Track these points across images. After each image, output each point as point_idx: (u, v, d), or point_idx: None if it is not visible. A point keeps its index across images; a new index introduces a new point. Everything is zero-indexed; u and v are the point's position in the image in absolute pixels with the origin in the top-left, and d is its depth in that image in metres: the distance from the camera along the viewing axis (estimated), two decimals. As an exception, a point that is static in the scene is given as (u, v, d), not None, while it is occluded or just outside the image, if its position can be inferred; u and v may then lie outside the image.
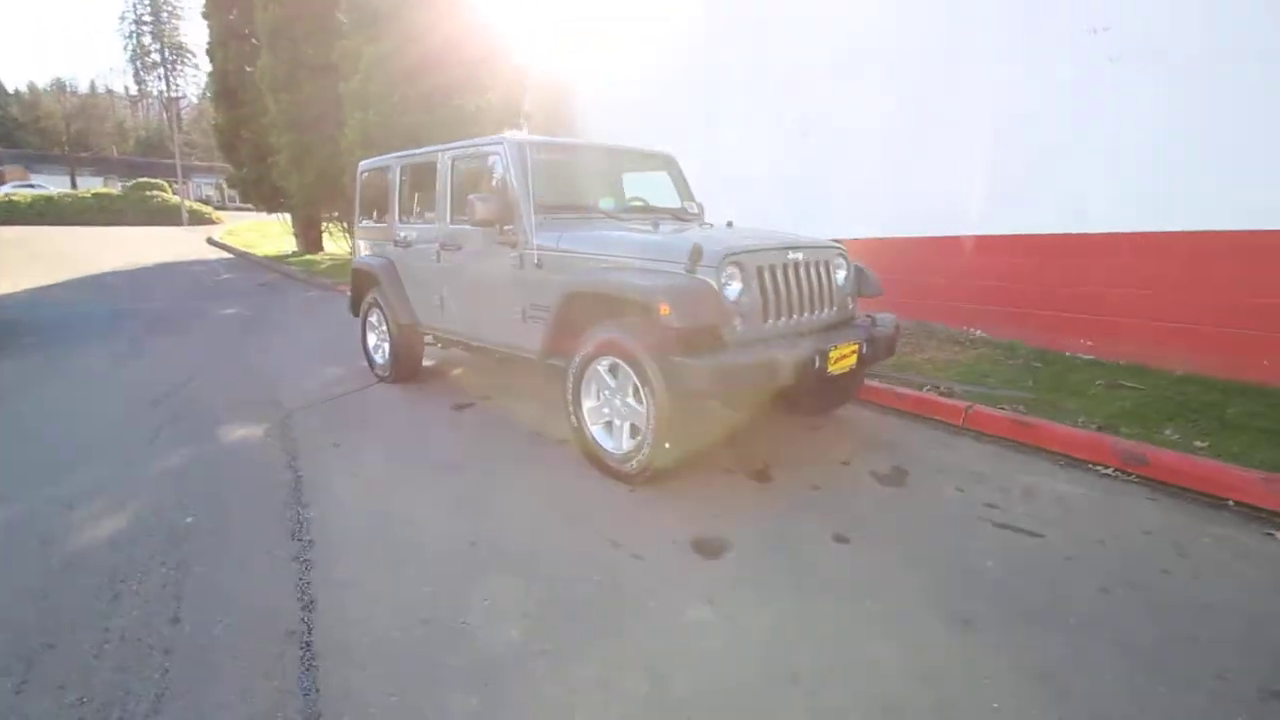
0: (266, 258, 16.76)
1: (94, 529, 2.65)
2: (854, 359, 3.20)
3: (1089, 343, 4.86)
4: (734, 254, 2.92)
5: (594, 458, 3.20)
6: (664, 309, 2.70)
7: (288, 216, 18.37)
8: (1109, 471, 3.16)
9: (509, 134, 3.75)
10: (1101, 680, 1.74)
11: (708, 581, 2.23)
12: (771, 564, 2.34)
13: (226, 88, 15.20)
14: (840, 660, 1.83)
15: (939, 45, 5.67)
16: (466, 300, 4.16)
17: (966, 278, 5.59)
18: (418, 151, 4.58)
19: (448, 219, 4.22)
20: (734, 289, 2.90)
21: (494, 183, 3.97)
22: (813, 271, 3.32)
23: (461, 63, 13.63)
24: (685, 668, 1.80)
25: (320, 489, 3.05)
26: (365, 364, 5.47)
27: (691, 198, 4.52)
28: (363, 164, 5.35)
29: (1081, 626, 1.97)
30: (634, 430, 3.05)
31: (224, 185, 37.81)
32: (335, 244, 18.91)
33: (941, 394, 4.16)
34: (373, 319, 5.20)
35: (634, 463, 2.94)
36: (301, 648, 1.89)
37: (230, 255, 17.17)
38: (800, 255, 3.25)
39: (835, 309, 3.47)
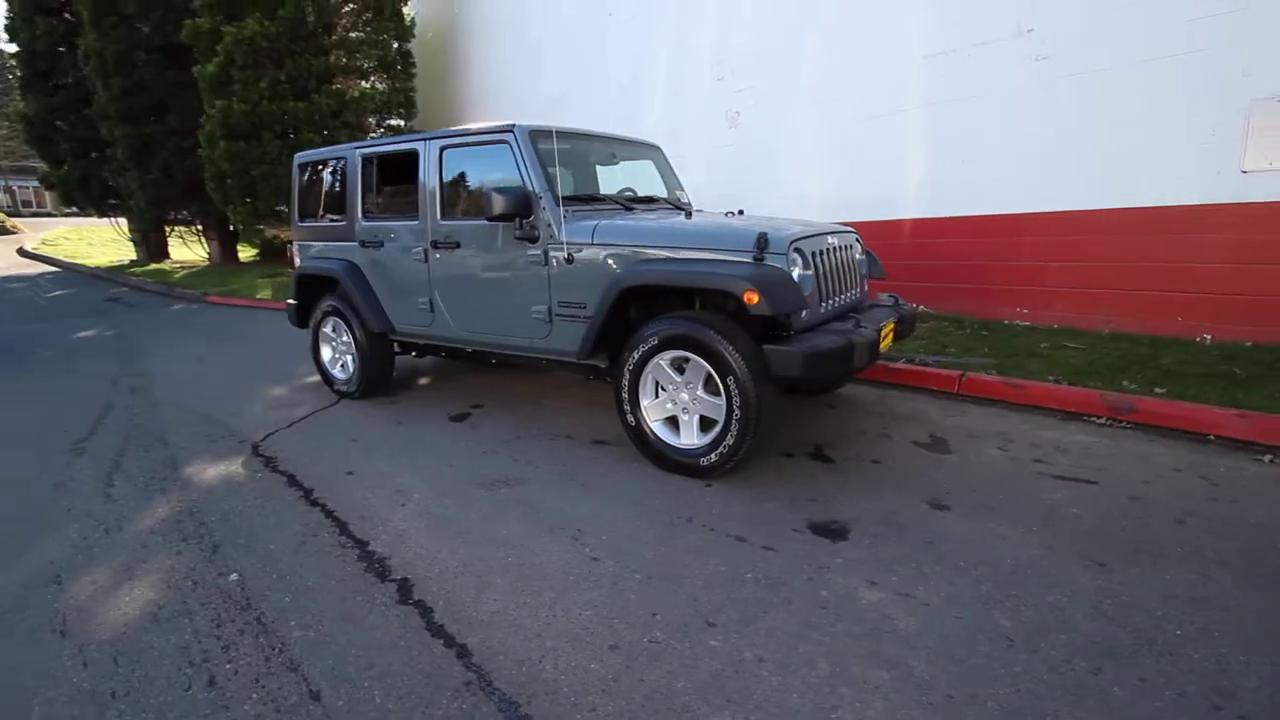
0: (103, 269, 14.42)
1: (114, 609, 2.15)
2: (891, 337, 3.37)
3: (1025, 311, 5.46)
4: (796, 240, 2.95)
5: (657, 455, 3.10)
6: (752, 297, 2.67)
7: (123, 221, 15.92)
8: (1103, 421, 3.59)
9: (518, 122, 3.49)
10: (1239, 598, 1.98)
11: (854, 563, 2.25)
12: (898, 538, 2.41)
13: (37, 72, 12.79)
14: (1032, 616, 1.93)
15: (877, 38, 6.06)
16: (468, 302, 3.84)
17: (907, 258, 6.04)
18: (388, 142, 4.13)
19: (438, 215, 3.86)
20: (798, 275, 2.93)
21: (495, 174, 3.71)
22: (844, 255, 3.44)
23: (341, 44, 12.48)
24: (907, 648, 1.81)
25: (371, 522, 2.69)
26: (312, 380, 4.90)
27: (681, 187, 4.49)
28: (300, 156, 4.76)
29: (1189, 555, 2.22)
30: (705, 423, 3.00)
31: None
32: (189, 250, 16.63)
33: (918, 365, 4.49)
34: (328, 329, 4.67)
35: (713, 456, 2.89)
36: (495, 699, 1.67)
37: (54, 268, 14.56)
38: (835, 240, 3.35)
39: (860, 290, 3.63)
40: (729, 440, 2.83)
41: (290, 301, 5.00)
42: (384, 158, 4.17)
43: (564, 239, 3.34)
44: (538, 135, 3.51)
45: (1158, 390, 3.77)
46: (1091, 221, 4.97)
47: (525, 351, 3.71)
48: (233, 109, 11.08)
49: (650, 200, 4.04)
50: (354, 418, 4.21)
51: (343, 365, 4.71)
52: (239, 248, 16.10)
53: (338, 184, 4.50)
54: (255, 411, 4.44)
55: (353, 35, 12.24)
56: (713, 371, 2.84)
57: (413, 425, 4.01)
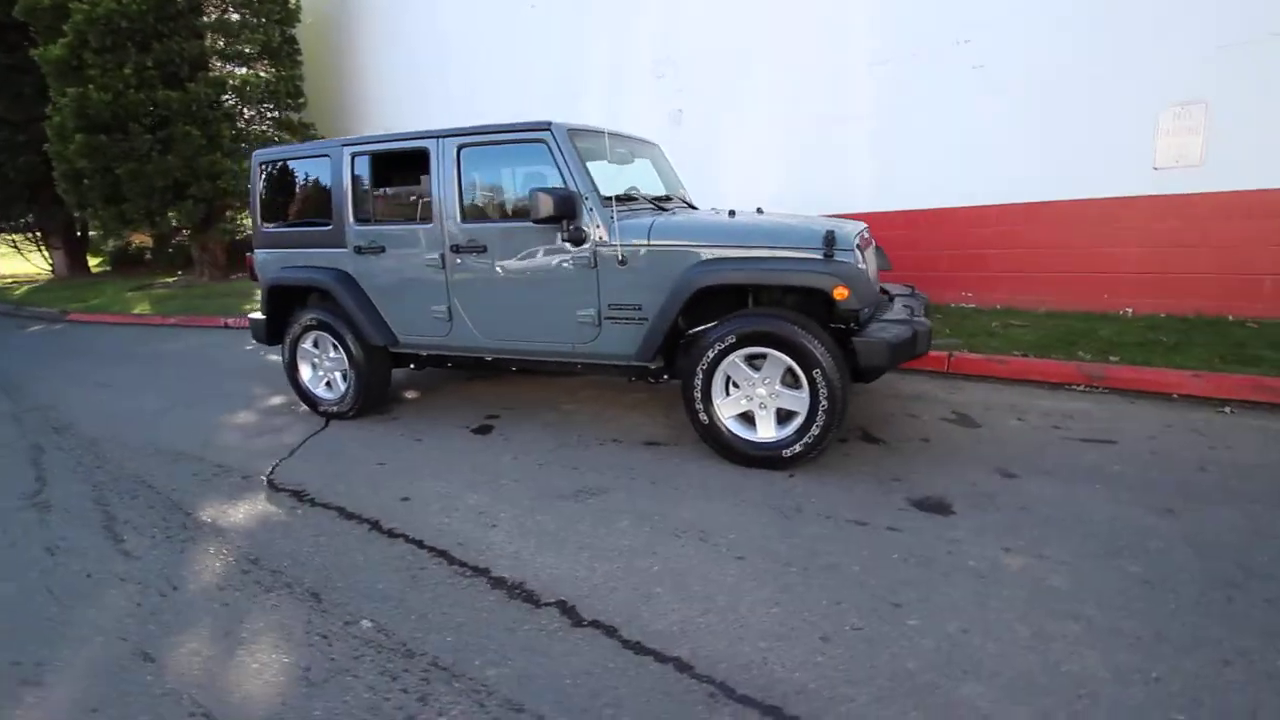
0: (-93, 288, 11.99)
1: (249, 680, 1.86)
2: (922, 324, 3.65)
3: (969, 294, 6.06)
4: (855, 236, 3.11)
5: (731, 451, 3.14)
6: (843, 292, 2.79)
7: (-73, 229, 13.29)
8: (1082, 389, 4.10)
9: (554, 119, 3.36)
10: None
11: (976, 533, 2.43)
12: (995, 507, 2.63)
13: None
14: (1152, 561, 2.20)
15: (823, 43, 6.41)
16: (497, 309, 3.65)
17: (860, 249, 6.48)
18: (387, 138, 3.81)
19: (457, 217, 3.63)
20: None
21: (524, 173, 3.57)
22: (873, 249, 3.67)
23: (220, 27, 11.11)
24: (1076, 601, 2.00)
25: (473, 547, 2.52)
26: (276, 402, 4.48)
27: (682, 185, 4.53)
28: (262, 154, 4.28)
29: (1228, 496, 2.63)
30: (781, 416, 3.09)
31: None
32: (26, 262, 14.15)
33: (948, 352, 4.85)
34: (309, 345, 4.25)
35: (798, 446, 2.98)
36: (753, 706, 1.65)
37: None
38: (867, 234, 3.56)
39: (878, 281, 3.88)
40: (814, 430, 2.94)
41: (255, 316, 4.48)
42: (382, 156, 3.85)
43: (617, 240, 3.29)
44: (575, 133, 3.42)
45: (1112, 359, 4.37)
46: (1026, 213, 5.62)
47: (566, 357, 3.60)
48: (90, 98, 9.60)
49: (665, 199, 4.05)
50: (362, 438, 3.87)
51: (329, 384, 4.30)
52: (89, 257, 13.98)
53: (318, 185, 4.09)
54: (232, 442, 3.95)
55: (231, 17, 11.00)
56: (795, 365, 2.94)
57: (435, 441, 3.76)
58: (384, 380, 4.23)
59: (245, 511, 2.97)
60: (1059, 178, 5.35)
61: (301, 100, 12.05)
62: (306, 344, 4.26)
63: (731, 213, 3.53)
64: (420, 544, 2.59)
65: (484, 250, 3.60)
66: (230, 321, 8.61)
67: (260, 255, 4.38)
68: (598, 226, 3.33)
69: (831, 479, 2.97)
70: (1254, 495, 2.63)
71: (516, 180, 3.66)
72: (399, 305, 3.93)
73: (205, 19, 10.84)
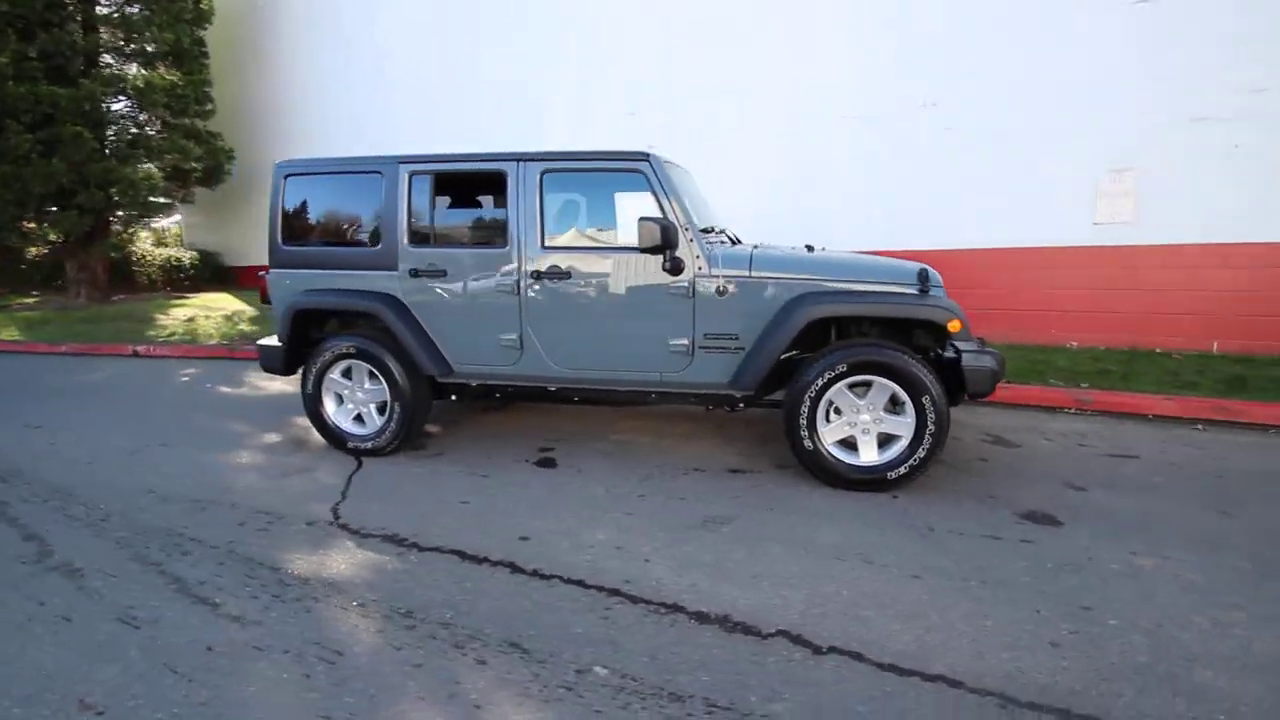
0: None
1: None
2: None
3: (934, 328, 6.68)
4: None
5: (834, 476, 3.25)
6: (956, 325, 3.04)
7: None
8: (1073, 412, 4.67)
9: (650, 149, 3.38)
10: (1308, 523, 2.88)
11: (1099, 540, 2.70)
12: (1090, 517, 2.94)
13: None
14: (1250, 555, 2.56)
15: (798, 96, 6.91)
16: (580, 337, 3.55)
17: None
18: (453, 157, 3.62)
19: (537, 243, 3.52)
20: (942, 303, 3.38)
21: (615, 202, 3.55)
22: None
23: (121, 21, 9.82)
24: (1227, 594, 2.29)
25: (642, 584, 2.42)
26: (272, 440, 4.08)
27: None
28: (288, 165, 3.92)
29: (1258, 498, 3.12)
30: (883, 440, 3.25)
31: None
32: None
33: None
34: (337, 375, 3.87)
35: (903, 469, 3.15)
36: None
37: None
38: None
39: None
40: (920, 453, 3.13)
41: (267, 343, 4.02)
42: (447, 176, 3.65)
43: (719, 270, 3.35)
44: (669, 165, 3.46)
45: (1083, 385, 5.02)
46: (986, 257, 6.33)
47: (651, 386, 3.56)
48: (-48, 88, 8.15)
49: (709, 230, 4.17)
50: (415, 476, 3.57)
51: (359, 418, 3.92)
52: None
53: (362, 202, 3.78)
54: (255, 484, 3.50)
55: (132, 12, 9.83)
56: (902, 392, 3.13)
57: (503, 477, 3.55)
58: (425, 413, 3.94)
59: (345, 561, 2.64)
60: (1015, 226, 6.11)
61: (209, 107, 10.97)
62: (335, 374, 3.87)
63: (809, 248, 3.72)
64: (582, 584, 2.45)
65: (567, 277, 3.51)
66: (141, 349, 7.55)
67: (277, 276, 3.95)
68: (697, 257, 3.38)
69: (932, 498, 3.17)
70: (1274, 498, 3.16)
71: (601, 208, 3.62)
72: (459, 332, 3.70)
73: (102, 9, 9.63)
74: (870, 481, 3.22)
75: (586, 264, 3.49)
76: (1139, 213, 5.62)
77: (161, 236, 13.56)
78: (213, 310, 9.75)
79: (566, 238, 3.60)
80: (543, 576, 2.51)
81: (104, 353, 7.53)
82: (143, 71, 9.82)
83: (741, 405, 3.63)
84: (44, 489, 3.48)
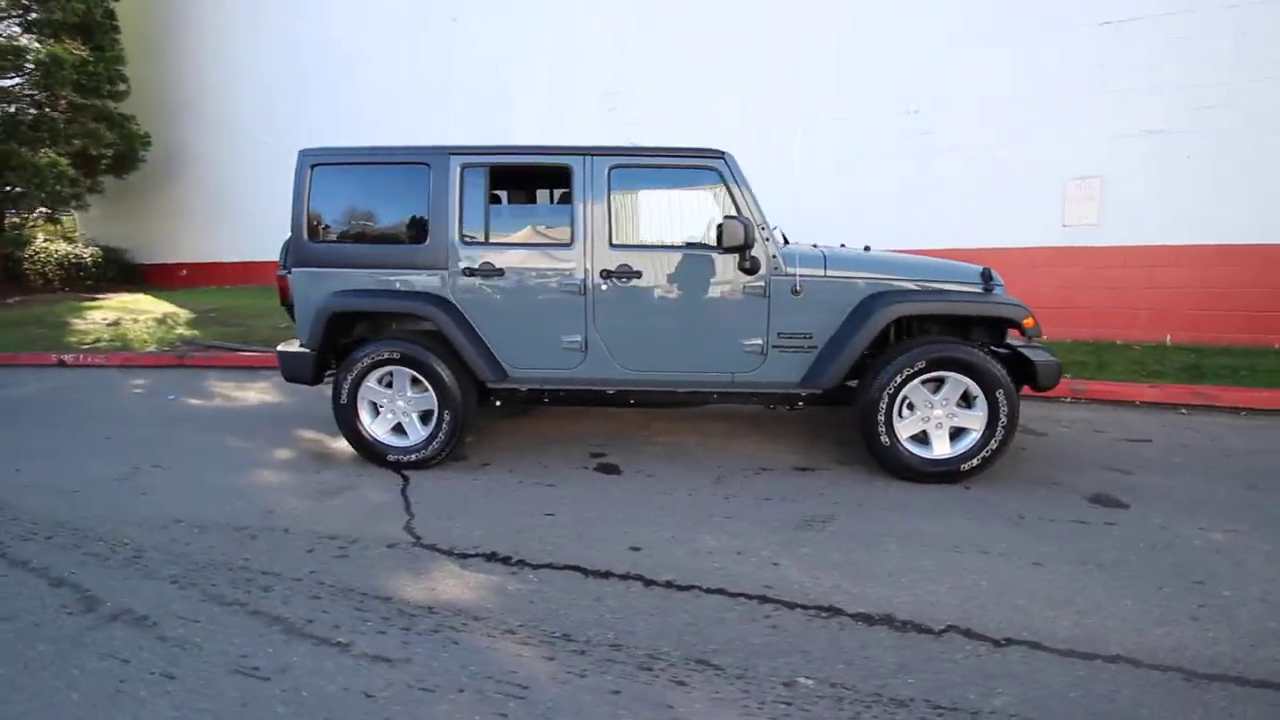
0: None
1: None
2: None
3: (915, 324, 7.01)
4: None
5: (907, 469, 3.34)
6: (1030, 321, 3.19)
7: None
8: (1069, 401, 5.03)
9: (725, 149, 3.33)
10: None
11: (1171, 518, 2.91)
12: (1152, 498, 3.15)
13: None
14: (1286, 530, 2.85)
15: (786, 94, 7.05)
16: (650, 338, 3.46)
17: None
18: (512, 149, 3.43)
19: (607, 241, 3.39)
20: (999, 300, 3.54)
21: (685, 200, 3.48)
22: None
23: None
24: None
25: (786, 588, 2.38)
26: (279, 456, 3.85)
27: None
28: (313, 153, 3.58)
29: (1271, 473, 3.48)
30: (954, 434, 3.37)
31: None
32: None
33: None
34: (374, 383, 3.57)
35: (975, 460, 3.28)
36: None
37: None
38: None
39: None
40: (993, 445, 3.27)
41: (291, 349, 3.64)
42: (505, 170, 3.45)
43: (796, 269, 3.35)
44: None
45: (1066, 375, 5.41)
46: (963, 257, 6.69)
47: (720, 387, 3.51)
48: None
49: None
50: (475, 488, 3.36)
51: (399, 428, 3.64)
52: None
53: (406, 197, 3.50)
54: (299, 507, 3.18)
55: (28, -26, 8.64)
56: (976, 386, 3.25)
57: (570, 486, 3.40)
58: (472, 421, 3.70)
59: (459, 585, 2.44)
60: (993, 227, 6.51)
61: (123, 88, 9.84)
62: (371, 382, 3.57)
63: (867, 248, 3.80)
64: (725, 592, 2.38)
65: (638, 276, 3.40)
66: (68, 359, 6.67)
67: (303, 276, 3.58)
68: (772, 256, 3.36)
69: (1000, 487, 3.32)
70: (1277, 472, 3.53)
71: (672, 205, 3.53)
72: (516, 335, 3.51)
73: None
74: (943, 474, 3.32)
75: (659, 263, 3.40)
76: (1102, 216, 6.15)
77: (58, 230, 12.02)
78: (137, 314, 8.75)
79: (637, 236, 3.49)
80: (680, 588, 2.42)
81: (23, 363, 6.59)
82: (47, 44, 8.64)
83: (801, 404, 3.66)
84: (39, 525, 3.00)
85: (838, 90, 6.90)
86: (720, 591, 2.40)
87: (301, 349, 3.62)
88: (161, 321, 8.03)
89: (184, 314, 8.47)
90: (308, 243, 3.57)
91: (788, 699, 1.83)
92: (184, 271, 11.89)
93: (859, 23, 6.78)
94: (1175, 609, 2.25)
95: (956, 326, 3.59)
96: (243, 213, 10.93)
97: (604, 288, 3.42)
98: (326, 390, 5.30)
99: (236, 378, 6.11)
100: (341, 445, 4.04)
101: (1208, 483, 3.37)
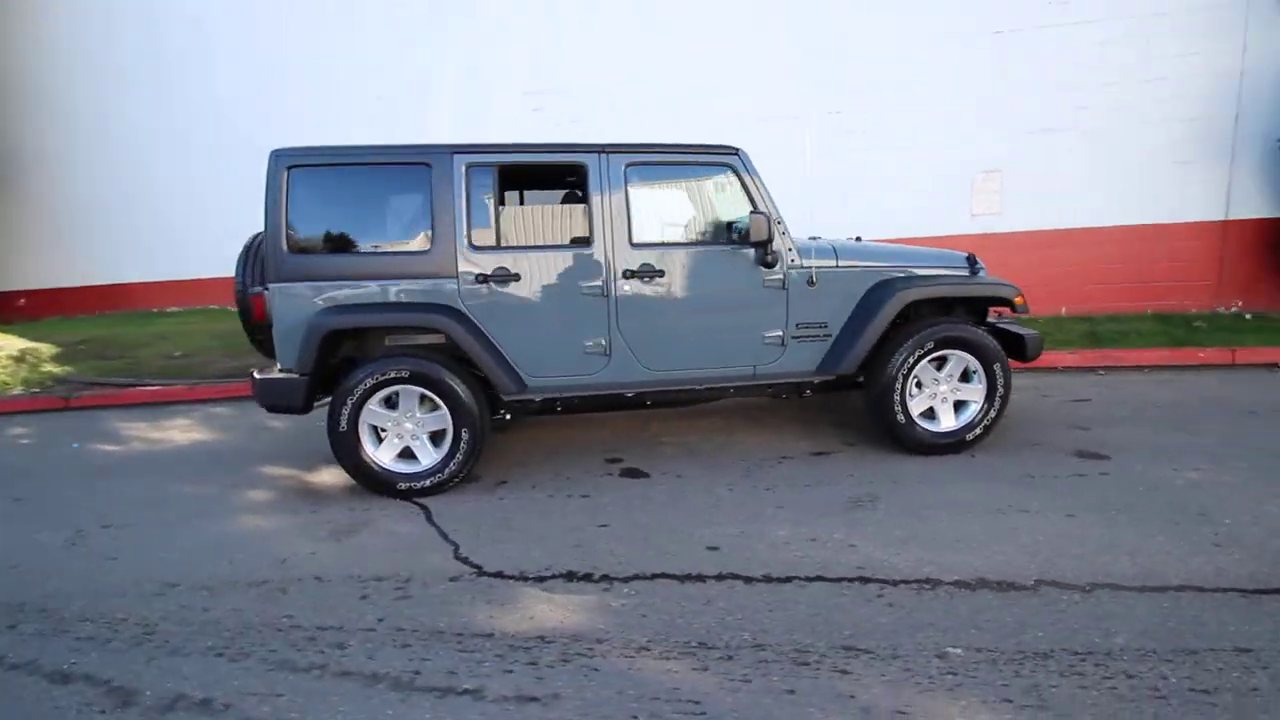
0: None
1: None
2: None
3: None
4: (974, 258, 3.88)
5: (918, 443, 3.56)
6: (1020, 299, 3.50)
7: None
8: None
9: (738, 144, 3.35)
10: None
11: (1153, 463, 3.31)
12: (1124, 449, 3.55)
13: None
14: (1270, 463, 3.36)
15: (716, 98, 7.23)
16: (674, 337, 3.43)
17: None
18: (520, 147, 3.25)
19: (627, 240, 3.31)
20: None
21: (698, 195, 3.47)
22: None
23: None
24: None
25: (918, 567, 2.46)
26: (269, 497, 3.47)
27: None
28: (289, 153, 3.20)
29: (1241, 414, 4.05)
30: (957, 408, 3.63)
31: None
32: None
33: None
34: (377, 405, 3.27)
35: (978, 430, 3.56)
36: None
37: None
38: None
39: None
40: (991, 414, 3.57)
41: (272, 376, 3.22)
42: (515, 169, 3.26)
43: (812, 261, 3.45)
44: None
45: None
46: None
47: (742, 380, 3.54)
48: None
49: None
50: (507, 507, 3.17)
51: (406, 452, 3.34)
52: None
53: (405, 200, 3.21)
54: (321, 550, 2.84)
55: None
56: (975, 362, 3.53)
57: (605, 494, 3.30)
58: (488, 437, 3.47)
59: (555, 609, 2.29)
60: (910, 217, 7.06)
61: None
62: (376, 404, 3.24)
63: (858, 238, 3.99)
64: (824, 579, 2.41)
65: (661, 275, 3.35)
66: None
67: (283, 292, 3.18)
68: (789, 249, 3.45)
69: (996, 453, 3.62)
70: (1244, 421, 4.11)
71: (685, 201, 3.51)
72: (535, 342, 3.33)
73: None
74: (951, 445, 3.58)
75: (679, 260, 3.38)
76: (1005, 206, 6.89)
77: None
78: (-23, 351, 7.31)
79: (656, 234, 3.43)
80: (780, 580, 2.43)
81: None
82: None
83: (809, 392, 3.79)
84: (57, 615, 2.43)
85: (767, 93, 7.19)
86: (819, 578, 2.43)
87: (287, 374, 3.22)
88: (20, 359, 6.76)
89: (46, 349, 7.18)
90: (288, 254, 3.18)
91: (950, 669, 1.90)
92: (22, 300, 10.09)
93: (778, 21, 7.12)
94: (1198, 540, 2.58)
95: (945, 306, 3.87)
96: (98, 228, 9.47)
97: (626, 288, 3.35)
98: (271, 422, 4.88)
99: (144, 416, 5.30)
100: (322, 478, 3.68)
101: (1155, 432, 3.89)
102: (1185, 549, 2.52)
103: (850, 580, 2.41)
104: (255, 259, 3.50)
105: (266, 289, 3.20)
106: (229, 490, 3.59)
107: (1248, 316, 6.29)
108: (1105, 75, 6.42)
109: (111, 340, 7.61)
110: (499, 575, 2.56)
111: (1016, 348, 3.65)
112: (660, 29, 7.39)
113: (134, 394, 5.85)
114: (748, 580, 2.44)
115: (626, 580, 2.48)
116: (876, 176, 7.09)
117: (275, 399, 3.25)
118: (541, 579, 2.52)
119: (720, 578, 2.47)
